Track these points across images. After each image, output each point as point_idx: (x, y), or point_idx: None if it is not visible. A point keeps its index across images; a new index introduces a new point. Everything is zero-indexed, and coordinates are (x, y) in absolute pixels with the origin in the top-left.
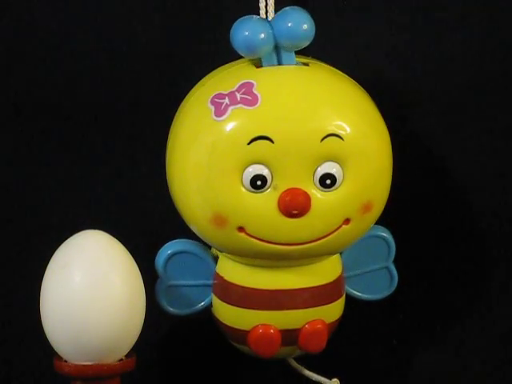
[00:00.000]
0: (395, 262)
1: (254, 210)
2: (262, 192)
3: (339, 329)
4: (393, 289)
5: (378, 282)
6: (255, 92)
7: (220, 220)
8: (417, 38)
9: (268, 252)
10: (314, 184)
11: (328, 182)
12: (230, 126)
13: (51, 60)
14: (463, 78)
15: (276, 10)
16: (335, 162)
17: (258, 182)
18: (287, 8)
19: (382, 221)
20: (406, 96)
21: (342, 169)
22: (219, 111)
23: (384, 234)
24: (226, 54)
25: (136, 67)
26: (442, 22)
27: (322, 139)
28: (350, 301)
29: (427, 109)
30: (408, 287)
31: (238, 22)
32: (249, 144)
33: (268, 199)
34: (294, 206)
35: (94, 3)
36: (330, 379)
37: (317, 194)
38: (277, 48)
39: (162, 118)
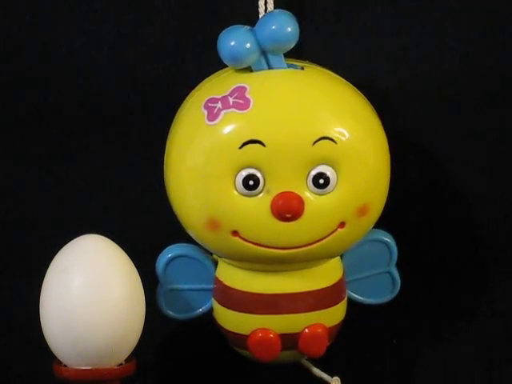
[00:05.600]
0: (397, 266)
1: (247, 213)
2: (254, 196)
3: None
4: (395, 293)
5: (380, 287)
6: (247, 96)
7: (214, 224)
8: (414, 40)
9: (263, 256)
10: (308, 187)
11: (321, 181)
12: (222, 131)
13: (50, 61)
14: (462, 81)
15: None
16: (328, 165)
17: (251, 182)
18: (269, 12)
19: (384, 225)
20: (405, 99)
21: (336, 172)
22: (212, 115)
23: (386, 239)
24: None
25: (137, 70)
26: (441, 25)
27: (314, 142)
28: (351, 301)
29: (426, 112)
30: (408, 290)
31: (222, 33)
32: (240, 148)
33: (261, 203)
34: (287, 209)
35: (95, 5)
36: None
37: (310, 197)
38: (264, 53)
39: (162, 122)
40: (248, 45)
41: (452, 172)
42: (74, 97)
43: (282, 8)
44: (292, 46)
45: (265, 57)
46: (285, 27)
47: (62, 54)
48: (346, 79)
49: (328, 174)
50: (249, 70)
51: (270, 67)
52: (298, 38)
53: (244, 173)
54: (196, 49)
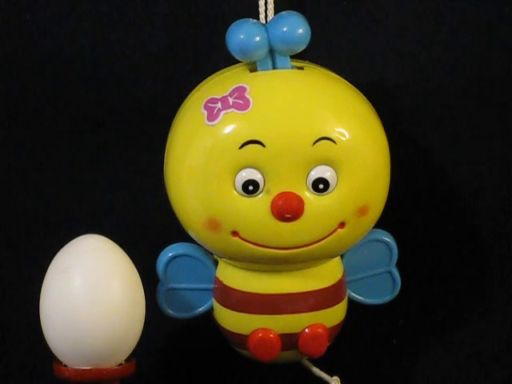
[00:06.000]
0: (397, 266)
1: (246, 214)
2: (254, 196)
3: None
4: (396, 293)
5: (381, 287)
6: (247, 96)
7: (214, 224)
8: (414, 40)
9: (263, 256)
10: (308, 188)
11: (321, 186)
12: (221, 131)
13: (51, 62)
14: (462, 82)
15: (275, 14)
16: (328, 165)
17: (250, 187)
18: (283, 12)
19: (384, 225)
20: (405, 99)
21: (336, 172)
22: (212, 116)
23: (386, 239)
24: (228, 58)
25: (137, 71)
26: (441, 25)
27: (314, 143)
28: (351, 301)
29: (426, 112)
30: (408, 290)
31: (233, 25)
32: (240, 148)
33: (261, 203)
34: (287, 209)
35: (95, 6)
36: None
37: (310, 197)
38: (272, 52)
39: (162, 122)
40: (257, 38)
41: (452, 172)
42: (74, 97)
43: (282, 8)
44: (302, 48)
45: (271, 57)
46: (297, 29)
47: (62, 54)
48: (346, 79)
49: (328, 174)
50: (249, 70)
51: (274, 68)
52: (308, 41)
53: (244, 173)
54: (196, 49)
